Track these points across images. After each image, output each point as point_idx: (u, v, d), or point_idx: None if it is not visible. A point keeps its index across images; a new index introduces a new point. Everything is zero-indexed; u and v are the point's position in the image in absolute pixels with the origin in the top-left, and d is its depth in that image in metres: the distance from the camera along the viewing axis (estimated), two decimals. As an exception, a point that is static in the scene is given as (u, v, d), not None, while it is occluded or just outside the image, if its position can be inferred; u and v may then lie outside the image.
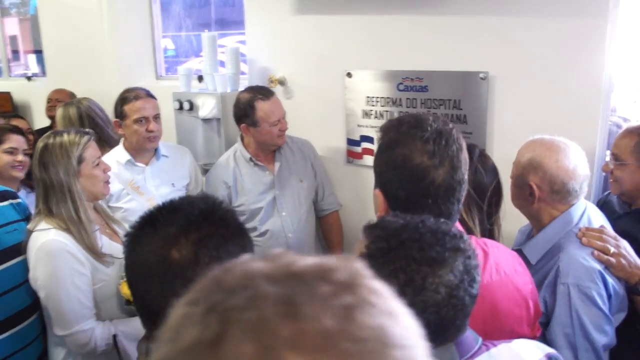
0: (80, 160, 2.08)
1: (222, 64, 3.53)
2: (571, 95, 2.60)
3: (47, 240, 1.99)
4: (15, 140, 2.83)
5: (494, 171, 1.90)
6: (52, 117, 4.25)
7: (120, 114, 2.80)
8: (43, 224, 2.04)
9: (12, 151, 2.80)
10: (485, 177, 1.85)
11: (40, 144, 2.10)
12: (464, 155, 1.36)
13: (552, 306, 1.76)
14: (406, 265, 1.04)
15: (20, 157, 2.82)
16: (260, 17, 3.43)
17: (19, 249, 2.17)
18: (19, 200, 2.37)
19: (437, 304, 1.03)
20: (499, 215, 1.90)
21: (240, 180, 2.92)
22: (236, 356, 0.41)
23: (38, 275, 2.00)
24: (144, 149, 2.85)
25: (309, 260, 0.49)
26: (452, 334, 1.11)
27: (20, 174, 2.87)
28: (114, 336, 2.03)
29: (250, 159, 2.92)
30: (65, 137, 2.09)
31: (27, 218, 2.34)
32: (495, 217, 1.87)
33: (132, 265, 1.11)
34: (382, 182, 1.36)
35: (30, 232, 2.07)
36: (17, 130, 2.93)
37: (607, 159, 2.30)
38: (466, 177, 1.37)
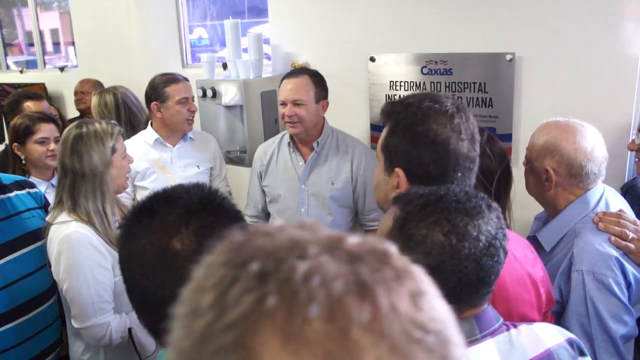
0: (113, 151, 2.07)
1: (247, 51, 3.51)
2: (604, 75, 2.49)
3: (69, 233, 1.96)
4: (46, 129, 2.80)
5: (502, 155, 1.84)
6: (81, 111, 4.31)
7: (160, 96, 2.83)
8: (64, 216, 2.01)
9: (43, 141, 2.77)
10: (493, 161, 1.80)
11: (70, 133, 2.06)
12: (478, 130, 1.39)
13: (567, 294, 1.67)
14: (448, 214, 1.07)
15: (52, 146, 2.78)
16: (283, 2, 3.40)
17: (38, 234, 2.19)
18: (35, 189, 2.39)
19: (479, 251, 1.07)
20: (508, 199, 1.83)
21: (274, 161, 2.83)
22: (301, 330, 0.37)
23: (60, 268, 1.98)
24: (180, 131, 2.91)
25: (355, 238, 0.45)
26: (483, 294, 1.13)
27: (55, 163, 2.79)
28: (129, 329, 2.02)
29: (289, 143, 2.77)
30: (98, 126, 2.07)
31: (43, 206, 2.36)
32: (503, 202, 1.80)
33: (128, 258, 1.06)
34: (406, 160, 1.34)
35: (49, 224, 2.05)
36: (48, 118, 2.90)
37: (634, 136, 2.15)
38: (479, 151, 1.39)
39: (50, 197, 2.62)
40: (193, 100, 2.90)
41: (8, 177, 2.31)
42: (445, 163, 1.31)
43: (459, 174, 1.32)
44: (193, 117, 2.89)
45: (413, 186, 1.20)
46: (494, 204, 1.13)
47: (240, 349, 0.37)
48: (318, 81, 2.67)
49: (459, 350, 0.41)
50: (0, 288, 2.09)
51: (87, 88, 4.25)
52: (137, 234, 1.03)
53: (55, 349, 2.34)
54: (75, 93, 4.35)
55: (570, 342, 1.22)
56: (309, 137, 2.70)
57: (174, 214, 1.02)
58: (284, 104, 2.63)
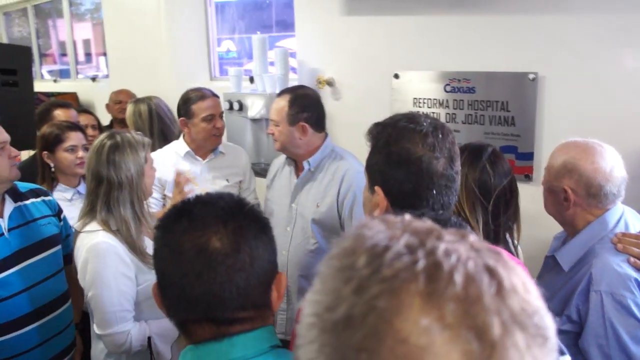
0: (145, 160, 2.14)
1: (273, 64, 3.58)
2: (626, 95, 2.49)
3: (97, 242, 2.02)
4: (75, 138, 2.86)
5: (505, 172, 1.85)
6: (122, 120, 4.34)
7: (187, 112, 2.90)
8: (93, 225, 2.07)
9: (72, 149, 2.84)
10: (493, 177, 1.81)
11: (104, 143, 2.10)
12: (457, 148, 1.40)
13: (585, 314, 1.68)
14: None
15: (80, 154, 2.84)
16: (310, 18, 3.47)
17: (53, 240, 2.31)
18: (50, 197, 2.48)
19: None
20: (515, 217, 1.85)
21: (278, 176, 2.84)
22: (444, 291, 0.47)
23: (86, 276, 2.04)
24: (207, 146, 2.96)
25: (473, 236, 0.57)
26: None
27: (83, 171, 2.83)
28: (149, 338, 2.07)
29: (287, 157, 2.76)
30: (131, 136, 2.13)
31: (57, 214, 2.45)
32: (502, 219, 1.80)
33: (166, 256, 1.11)
34: (383, 179, 1.37)
35: (77, 231, 2.11)
36: (76, 127, 2.98)
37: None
38: (460, 168, 1.40)
39: (77, 204, 2.72)
40: (221, 117, 2.94)
41: (24, 186, 2.39)
42: (418, 181, 1.33)
43: (434, 192, 1.34)
44: (220, 133, 2.93)
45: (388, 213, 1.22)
46: (467, 230, 1.16)
47: (392, 297, 0.48)
48: (297, 104, 2.58)
49: (554, 337, 0.50)
50: (23, 290, 2.18)
51: (124, 97, 4.34)
52: (177, 233, 1.09)
53: (71, 351, 2.43)
54: (117, 102, 4.40)
55: None
56: (296, 157, 2.66)
57: (212, 215, 1.09)
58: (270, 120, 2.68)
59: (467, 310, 0.46)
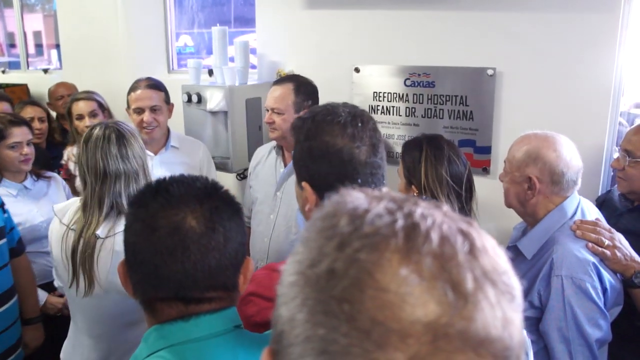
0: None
1: (233, 59, 3.54)
2: (580, 92, 2.57)
3: None
4: (19, 133, 2.68)
5: (464, 159, 1.97)
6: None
7: (127, 102, 2.89)
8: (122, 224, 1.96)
9: (16, 145, 2.66)
10: (459, 165, 1.91)
11: (110, 139, 1.95)
12: (380, 134, 1.40)
13: (546, 299, 1.74)
14: None
15: (25, 150, 2.68)
16: (270, 11, 3.45)
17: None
18: None
19: None
20: (472, 204, 1.94)
21: (262, 165, 2.81)
22: (422, 247, 0.50)
23: None
24: (145, 139, 2.87)
25: (447, 206, 0.59)
26: None
27: (28, 167, 2.74)
28: None
29: (275, 147, 2.76)
30: (125, 126, 2.05)
31: (0, 206, 2.35)
32: (470, 204, 1.92)
33: (139, 233, 1.08)
34: (308, 173, 1.38)
35: (100, 238, 1.90)
36: (21, 122, 2.79)
37: (616, 155, 2.22)
38: (385, 154, 1.41)
39: (23, 200, 2.67)
40: (154, 110, 2.83)
41: None
42: (342, 173, 1.33)
43: (360, 181, 1.34)
44: (150, 127, 2.83)
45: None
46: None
47: (373, 251, 0.50)
48: (302, 90, 2.62)
49: (520, 297, 0.53)
50: None
51: (64, 91, 4.22)
52: (152, 209, 1.07)
53: (18, 348, 2.37)
54: (59, 97, 4.23)
55: None
56: (290, 146, 2.65)
57: (189, 194, 1.08)
58: (267, 109, 2.67)
59: (443, 265, 0.49)
